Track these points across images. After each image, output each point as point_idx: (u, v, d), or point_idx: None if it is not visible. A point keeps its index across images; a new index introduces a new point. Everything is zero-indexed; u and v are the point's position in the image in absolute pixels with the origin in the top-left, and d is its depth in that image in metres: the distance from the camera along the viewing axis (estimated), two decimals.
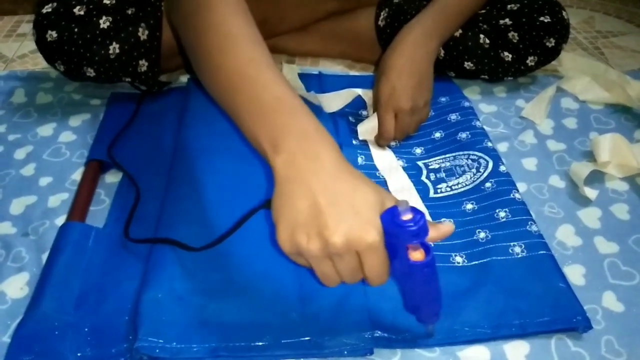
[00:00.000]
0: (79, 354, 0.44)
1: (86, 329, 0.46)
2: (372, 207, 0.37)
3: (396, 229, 0.36)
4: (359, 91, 0.69)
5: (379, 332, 0.46)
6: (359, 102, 0.71)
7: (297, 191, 0.38)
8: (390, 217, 0.37)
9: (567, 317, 0.47)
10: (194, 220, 0.54)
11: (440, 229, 0.39)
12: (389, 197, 0.39)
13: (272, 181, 0.58)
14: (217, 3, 0.46)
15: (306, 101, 0.70)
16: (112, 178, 0.63)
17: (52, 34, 0.65)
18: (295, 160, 0.39)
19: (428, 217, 0.56)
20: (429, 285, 0.39)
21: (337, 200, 0.37)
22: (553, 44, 0.73)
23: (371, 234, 0.36)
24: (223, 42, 0.45)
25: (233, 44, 0.44)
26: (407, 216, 0.36)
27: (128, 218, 0.55)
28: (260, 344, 0.45)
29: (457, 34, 0.72)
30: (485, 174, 0.60)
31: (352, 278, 0.39)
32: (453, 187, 0.60)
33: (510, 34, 0.72)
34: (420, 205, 0.58)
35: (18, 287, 0.50)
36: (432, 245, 0.38)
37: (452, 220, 0.56)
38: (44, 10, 0.66)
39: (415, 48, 0.65)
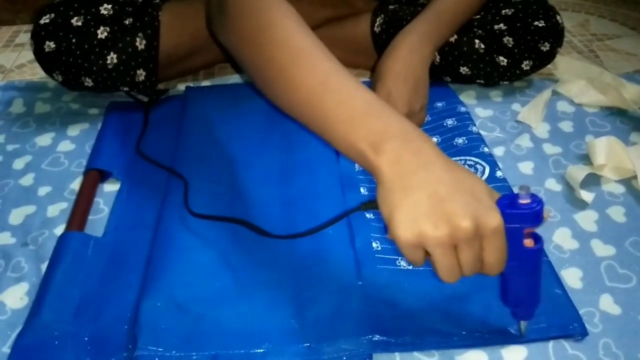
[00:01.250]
0: None
1: (86, 338, 0.46)
2: (488, 194, 0.39)
3: (516, 213, 0.37)
4: None
5: (378, 336, 0.46)
6: None
7: (412, 184, 0.38)
8: (508, 202, 0.38)
9: (563, 323, 0.47)
10: (191, 228, 0.54)
11: (545, 214, 0.40)
12: (493, 189, 0.40)
13: (269, 186, 0.60)
14: (280, 19, 0.47)
15: None
16: (111, 187, 0.63)
17: (50, 45, 0.66)
18: (401, 158, 0.39)
19: None
20: (536, 275, 0.41)
21: (456, 188, 0.38)
22: (548, 48, 0.74)
23: (496, 217, 0.37)
24: (298, 56, 0.45)
25: (308, 58, 0.45)
26: (526, 200, 0.37)
27: (184, 196, 0.56)
28: (260, 351, 0.45)
29: (452, 39, 0.73)
30: (482, 180, 0.60)
31: (474, 267, 0.39)
32: None
33: (505, 39, 0.73)
34: None
35: (18, 297, 0.51)
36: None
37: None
38: (42, 21, 0.67)
39: (411, 53, 0.65)
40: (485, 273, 0.40)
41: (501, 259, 0.39)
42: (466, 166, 0.63)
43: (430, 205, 0.37)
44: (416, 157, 0.39)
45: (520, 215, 0.38)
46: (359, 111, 0.42)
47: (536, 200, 0.38)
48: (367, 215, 0.57)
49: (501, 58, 0.74)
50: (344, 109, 0.42)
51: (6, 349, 0.46)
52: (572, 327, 0.47)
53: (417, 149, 0.40)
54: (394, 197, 0.39)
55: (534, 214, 0.37)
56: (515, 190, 0.59)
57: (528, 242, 0.39)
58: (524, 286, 0.42)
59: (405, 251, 0.39)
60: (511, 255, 0.39)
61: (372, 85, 0.67)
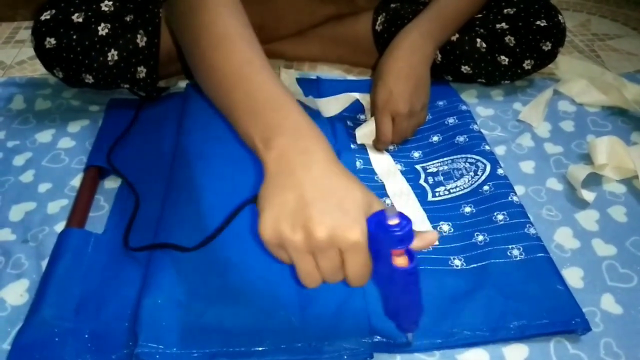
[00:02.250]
0: None
1: (86, 336, 0.46)
2: (359, 207, 0.37)
3: (382, 233, 0.36)
4: (357, 95, 0.70)
5: (379, 337, 0.46)
6: (356, 106, 0.71)
7: (286, 183, 0.38)
8: (376, 221, 0.36)
9: (565, 319, 0.47)
10: (192, 226, 0.54)
11: (425, 238, 0.39)
12: (377, 201, 0.39)
13: None
14: (212, 3, 0.47)
15: (304, 106, 0.71)
16: (112, 184, 0.63)
17: (51, 41, 0.66)
18: (286, 156, 0.39)
19: (424, 223, 0.56)
20: (410, 293, 0.39)
21: (325, 195, 0.37)
22: (549, 48, 0.73)
23: (355, 232, 0.36)
24: (219, 41, 0.45)
25: (229, 44, 0.45)
26: (393, 221, 0.36)
27: (127, 226, 0.55)
28: (260, 349, 0.45)
29: (453, 38, 0.73)
30: (483, 177, 0.60)
31: (333, 277, 0.39)
32: (451, 191, 0.60)
33: (506, 38, 0.73)
34: (418, 209, 0.58)
35: (18, 293, 0.51)
36: (416, 253, 0.38)
37: (450, 223, 0.56)
38: (43, 17, 0.67)
39: (412, 52, 0.65)
40: (349, 284, 0.39)
41: (362, 274, 0.38)
42: (467, 164, 0.63)
43: (294, 208, 0.37)
44: (299, 157, 0.39)
45: (385, 237, 0.36)
46: (260, 103, 0.42)
47: (403, 222, 0.36)
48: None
49: (502, 57, 0.73)
50: (248, 101, 0.42)
51: (6, 346, 0.46)
52: (574, 323, 0.46)
53: (304, 148, 0.39)
54: (267, 194, 0.39)
55: (399, 237, 0.35)
56: (517, 189, 0.60)
57: (400, 261, 0.37)
58: (398, 302, 0.41)
59: (270, 250, 0.39)
60: (381, 273, 0.38)
61: (373, 83, 0.67)
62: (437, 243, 0.54)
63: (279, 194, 0.38)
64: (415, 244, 0.37)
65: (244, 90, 0.43)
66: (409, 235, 0.36)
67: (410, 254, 0.37)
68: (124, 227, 0.55)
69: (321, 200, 0.37)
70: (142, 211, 0.57)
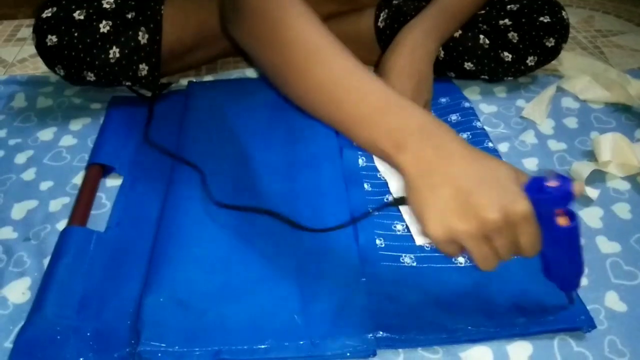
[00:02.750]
0: (81, 359, 0.44)
1: (88, 334, 0.46)
2: (513, 180, 0.38)
3: (544, 196, 0.38)
4: None
5: (382, 332, 0.46)
6: None
7: (435, 181, 0.39)
8: (537, 187, 0.38)
9: (570, 316, 0.46)
10: (193, 222, 0.54)
11: (577, 188, 0.40)
12: (521, 171, 0.40)
13: (273, 182, 0.59)
14: (295, 17, 0.46)
15: None
16: (113, 182, 0.63)
17: (52, 39, 0.66)
18: (423, 155, 0.39)
19: None
20: (575, 250, 0.41)
21: (481, 180, 0.38)
22: (553, 44, 0.73)
23: (523, 204, 0.37)
24: (314, 57, 0.45)
25: (324, 57, 0.44)
26: (554, 183, 0.38)
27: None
28: (263, 346, 0.45)
29: (456, 34, 0.72)
30: None
31: (510, 253, 0.40)
32: None
33: (510, 34, 0.72)
34: None
35: (20, 292, 0.50)
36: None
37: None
38: (44, 15, 0.66)
39: (415, 49, 0.65)
40: (523, 256, 0.40)
41: (535, 242, 0.39)
42: None
43: (456, 201, 0.38)
44: (437, 152, 0.39)
45: (548, 198, 0.38)
46: (377, 108, 0.42)
47: (563, 181, 0.38)
48: (371, 211, 0.57)
49: (506, 54, 0.73)
50: (363, 107, 0.42)
51: (8, 344, 0.46)
52: (579, 320, 0.46)
53: (438, 143, 0.40)
54: (420, 196, 0.39)
55: (562, 195, 0.38)
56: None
57: (562, 221, 0.39)
58: (564, 262, 0.43)
59: (440, 247, 0.40)
60: (546, 236, 0.40)
61: None
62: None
63: (434, 192, 0.39)
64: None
65: (354, 99, 0.43)
66: (570, 193, 0.38)
67: (570, 213, 0.39)
68: (126, 225, 0.55)
69: (479, 185, 0.38)
70: (137, 204, 0.58)
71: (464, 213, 0.37)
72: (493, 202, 0.37)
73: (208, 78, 0.80)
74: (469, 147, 0.41)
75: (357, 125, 0.43)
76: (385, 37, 0.76)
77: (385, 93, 0.43)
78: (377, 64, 0.74)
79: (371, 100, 0.42)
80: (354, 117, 0.43)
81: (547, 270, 0.44)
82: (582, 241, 0.41)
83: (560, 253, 0.42)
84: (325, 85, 0.44)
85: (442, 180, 0.39)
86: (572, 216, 0.39)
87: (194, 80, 0.78)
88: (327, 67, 0.44)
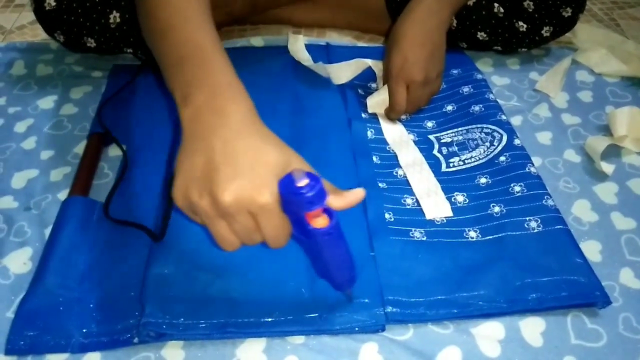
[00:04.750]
0: (84, 330, 0.43)
1: (91, 305, 0.45)
2: (270, 169, 0.36)
3: (291, 196, 0.35)
4: (369, 62, 0.67)
5: (391, 307, 0.45)
6: (368, 74, 0.69)
7: (198, 146, 0.37)
8: (286, 183, 0.35)
9: (585, 292, 0.45)
10: None
11: (347, 197, 0.38)
12: (298, 161, 0.38)
13: None
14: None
15: (314, 73, 0.68)
16: (115, 151, 0.61)
17: (51, 3, 0.63)
18: (200, 115, 0.38)
19: (438, 193, 0.54)
20: (334, 252, 0.39)
21: (233, 158, 0.36)
22: (570, 14, 0.70)
23: (264, 195, 0.35)
24: (177, 12, 0.43)
25: (186, 11, 0.43)
26: (302, 182, 0.35)
27: (110, 192, 0.53)
28: (270, 319, 0.44)
29: (470, 2, 0.70)
30: (500, 148, 0.58)
31: (249, 239, 0.38)
32: (466, 161, 0.58)
33: (525, 3, 0.70)
34: (432, 179, 0.56)
35: (21, 262, 0.49)
36: (335, 212, 0.37)
37: (465, 194, 0.54)
38: None
39: (428, 17, 0.62)
40: (269, 246, 0.39)
41: (277, 236, 0.37)
42: (483, 134, 0.60)
43: (202, 173, 0.36)
44: (214, 117, 0.37)
45: (295, 198, 0.35)
46: (185, 56, 0.40)
47: (312, 182, 0.35)
48: (380, 185, 0.55)
49: (521, 23, 0.70)
50: (175, 51, 0.41)
51: (10, 314, 0.45)
52: (594, 296, 0.45)
53: (220, 108, 0.38)
54: (181, 156, 0.38)
55: (308, 198, 0.35)
56: (534, 160, 0.58)
57: (319, 221, 0.36)
58: (325, 262, 0.40)
59: (184, 212, 0.38)
60: (302, 235, 0.37)
61: (386, 50, 0.65)
62: (450, 215, 0.52)
63: (190, 157, 0.37)
64: (336, 203, 0.37)
65: (171, 40, 0.41)
66: (319, 195, 0.35)
67: (330, 213, 0.36)
68: (130, 195, 0.54)
69: (229, 164, 0.35)
70: (135, 179, 0.56)
71: (203, 187, 0.36)
72: (231, 185, 0.35)
73: None
74: (250, 124, 0.38)
75: (166, 68, 0.41)
76: (396, 5, 0.73)
77: (201, 43, 0.41)
78: (387, 33, 0.71)
79: (185, 46, 0.41)
80: (166, 58, 0.42)
81: (314, 267, 0.42)
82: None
83: (319, 253, 0.39)
84: (154, 18, 0.43)
85: (202, 148, 0.36)
86: (331, 217, 0.36)
87: None
88: (166, 4, 0.43)
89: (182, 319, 0.43)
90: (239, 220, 0.36)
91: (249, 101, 0.39)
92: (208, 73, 0.40)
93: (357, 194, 0.39)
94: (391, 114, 0.63)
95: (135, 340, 0.43)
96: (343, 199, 0.38)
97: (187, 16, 0.42)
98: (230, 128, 0.37)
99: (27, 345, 0.42)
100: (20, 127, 0.65)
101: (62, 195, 0.55)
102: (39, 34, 0.81)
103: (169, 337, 0.43)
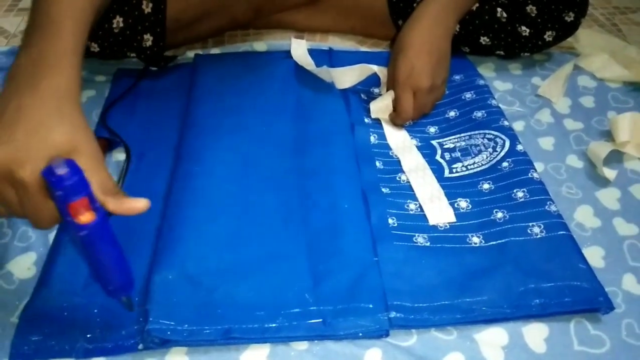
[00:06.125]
0: (88, 335, 0.43)
1: (95, 310, 0.45)
2: (47, 146, 0.34)
3: (49, 183, 0.34)
4: (374, 68, 0.67)
5: (395, 313, 0.45)
6: (371, 79, 0.69)
7: (1, 100, 0.37)
8: (48, 169, 0.34)
9: (589, 298, 0.45)
10: (202, 199, 0.53)
11: (125, 203, 0.37)
12: (87, 151, 0.36)
13: (283, 158, 0.58)
14: None
15: (317, 78, 0.68)
16: (119, 156, 0.61)
17: None
18: (16, 76, 0.38)
19: (440, 198, 0.54)
20: (99, 252, 0.36)
21: (15, 124, 0.35)
22: (572, 18, 0.71)
23: (24, 170, 0.33)
24: None
25: None
26: (61, 171, 0.33)
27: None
28: (273, 325, 0.44)
29: (473, 7, 0.70)
30: (502, 154, 0.58)
31: (10, 212, 0.36)
32: (469, 167, 0.58)
33: (528, 8, 0.70)
34: (435, 184, 0.56)
35: (25, 267, 0.50)
36: (103, 210, 0.36)
37: (468, 199, 0.54)
38: None
39: (435, 25, 0.63)
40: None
41: (37, 217, 0.36)
42: (485, 140, 0.61)
43: None
44: (25, 78, 0.37)
45: (52, 187, 0.33)
46: (38, 23, 0.41)
47: (70, 174, 0.33)
48: (384, 190, 0.55)
49: (523, 28, 0.71)
50: (36, 19, 0.42)
51: (14, 319, 0.45)
52: (597, 301, 0.45)
53: (36, 73, 0.38)
54: None
55: (62, 188, 0.33)
56: (536, 166, 0.58)
57: (85, 217, 0.34)
58: (91, 262, 0.37)
59: None
60: (68, 225, 0.35)
61: (392, 56, 0.65)
62: (454, 220, 0.52)
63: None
64: (111, 205, 0.36)
65: (38, 8, 0.42)
66: (76, 188, 0.33)
67: (99, 212, 0.35)
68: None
69: (8, 127, 0.35)
70: (142, 179, 0.56)
71: None
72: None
73: (215, 51, 0.78)
74: (60, 99, 0.37)
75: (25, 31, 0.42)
76: (399, 10, 0.74)
77: (54, 20, 0.41)
78: (393, 39, 0.71)
79: (41, 17, 0.41)
80: (29, 23, 0.42)
81: (88, 267, 0.39)
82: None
83: (84, 250, 0.36)
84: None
85: (1, 102, 0.36)
86: (97, 215, 0.34)
87: (201, 53, 0.75)
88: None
89: (186, 325, 0.43)
90: (1, 187, 0.35)
91: (74, 78, 0.39)
92: (45, 39, 0.40)
93: (137, 203, 0.37)
94: (397, 120, 0.63)
95: (140, 346, 0.43)
96: (119, 203, 0.37)
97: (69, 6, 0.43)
98: (32, 95, 0.36)
99: (31, 350, 0.42)
100: None
101: None
102: None
103: (173, 343, 0.43)
